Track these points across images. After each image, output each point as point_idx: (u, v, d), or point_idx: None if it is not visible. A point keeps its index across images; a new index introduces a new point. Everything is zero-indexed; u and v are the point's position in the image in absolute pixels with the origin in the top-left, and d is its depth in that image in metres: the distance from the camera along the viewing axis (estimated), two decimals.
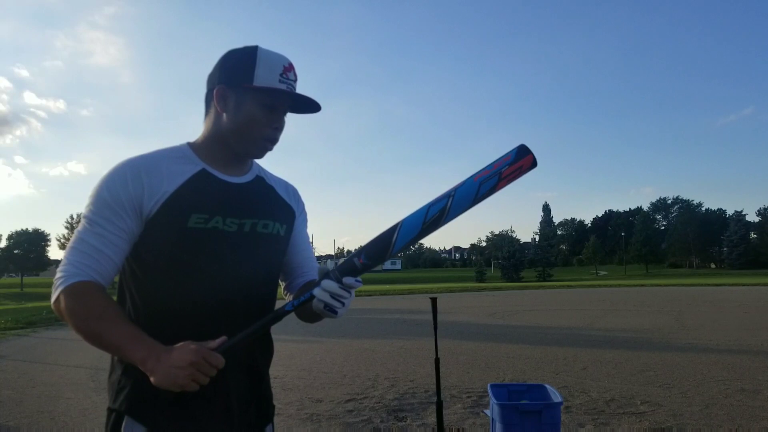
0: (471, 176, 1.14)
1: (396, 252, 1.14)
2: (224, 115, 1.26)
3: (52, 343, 10.18)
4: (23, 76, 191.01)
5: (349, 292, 1.14)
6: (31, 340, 10.93)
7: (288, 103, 1.28)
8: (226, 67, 1.26)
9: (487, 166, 1.14)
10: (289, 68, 1.26)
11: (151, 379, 1.08)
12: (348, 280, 1.12)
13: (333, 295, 1.12)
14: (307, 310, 1.27)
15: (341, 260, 1.18)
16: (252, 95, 1.24)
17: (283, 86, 1.24)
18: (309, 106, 1.31)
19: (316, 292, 1.13)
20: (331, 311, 1.13)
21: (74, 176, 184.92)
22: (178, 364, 1.06)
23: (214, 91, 1.26)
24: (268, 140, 1.28)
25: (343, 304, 1.13)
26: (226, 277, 1.22)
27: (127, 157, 1.24)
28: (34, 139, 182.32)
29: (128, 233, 1.19)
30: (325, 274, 1.15)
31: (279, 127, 1.29)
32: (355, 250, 1.19)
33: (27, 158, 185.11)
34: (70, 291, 1.14)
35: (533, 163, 1.13)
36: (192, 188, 1.23)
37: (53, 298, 1.16)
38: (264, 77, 1.23)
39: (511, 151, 1.13)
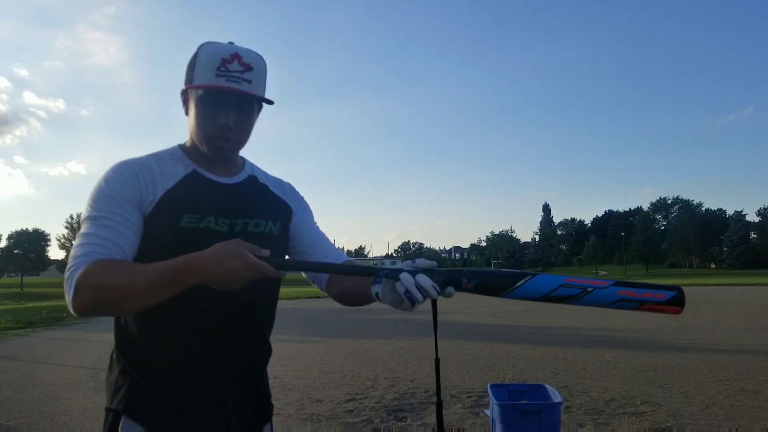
0: (615, 284, 1.09)
1: (503, 296, 1.09)
2: (188, 118, 1.28)
3: (52, 343, 10.18)
4: (23, 76, 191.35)
5: (437, 294, 1.07)
6: (31, 340, 10.91)
7: (234, 97, 1.21)
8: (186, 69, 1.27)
9: (636, 287, 1.09)
10: (230, 59, 1.18)
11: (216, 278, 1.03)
12: (449, 290, 1.07)
13: (420, 288, 1.04)
14: (359, 291, 1.23)
15: (465, 267, 1.11)
16: (194, 95, 1.23)
17: (221, 80, 1.18)
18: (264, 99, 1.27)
19: (404, 277, 1.05)
20: (411, 299, 1.05)
21: (74, 176, 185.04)
22: (229, 256, 1.01)
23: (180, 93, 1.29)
24: (215, 139, 1.23)
25: (420, 300, 1.06)
26: None
27: (121, 160, 1.24)
28: (34, 139, 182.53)
29: (135, 225, 1.17)
30: (429, 271, 1.07)
31: (224, 125, 1.21)
32: (470, 270, 1.11)
33: (27, 158, 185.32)
34: (85, 274, 1.06)
35: (678, 312, 1.10)
36: (184, 189, 1.23)
37: (70, 296, 1.07)
38: (201, 74, 1.20)
39: (667, 292, 1.09)
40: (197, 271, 1.02)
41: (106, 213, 1.14)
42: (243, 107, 1.23)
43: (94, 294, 1.06)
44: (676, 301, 1.08)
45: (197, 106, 1.22)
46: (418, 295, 1.04)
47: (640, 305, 1.08)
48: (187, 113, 1.27)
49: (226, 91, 1.19)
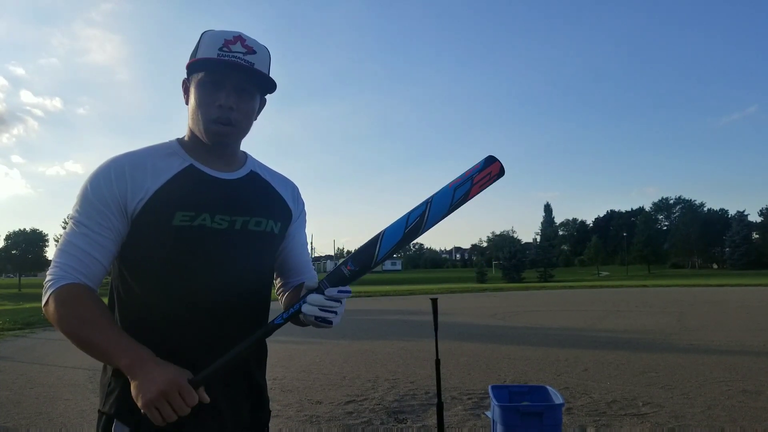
0: (447, 184, 1.16)
1: (381, 260, 1.14)
2: (187, 106, 1.25)
3: (51, 344, 10.14)
4: (19, 74, 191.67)
5: (339, 301, 1.11)
6: (29, 341, 10.90)
7: (237, 77, 1.19)
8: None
9: (461, 175, 1.17)
10: (233, 41, 1.19)
11: (131, 387, 1.06)
12: (330, 291, 1.10)
13: (322, 308, 1.10)
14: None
15: (341, 261, 1.17)
16: (194, 76, 1.21)
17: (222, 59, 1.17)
18: (268, 81, 1.24)
19: (305, 308, 1.11)
20: (325, 322, 1.11)
21: (71, 176, 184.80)
22: (151, 383, 1.03)
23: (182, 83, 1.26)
24: (214, 122, 1.19)
25: (335, 313, 1.10)
26: (215, 277, 1.19)
27: (114, 155, 1.21)
28: (31, 138, 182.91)
29: (115, 233, 1.16)
30: (314, 289, 1.13)
31: (224, 105, 1.18)
32: (344, 260, 1.18)
33: (24, 158, 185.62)
34: (59, 295, 1.12)
35: (501, 171, 1.17)
36: (178, 185, 1.20)
37: (43, 301, 1.15)
38: (202, 53, 1.19)
39: (480, 161, 1.17)
40: (129, 368, 1.07)
41: (86, 219, 1.15)
42: (245, 90, 1.21)
43: (54, 320, 1.13)
44: (490, 162, 1.16)
45: (197, 88, 1.19)
46: (324, 315, 1.09)
47: (471, 184, 1.15)
48: (187, 102, 1.24)
49: (228, 67, 1.17)
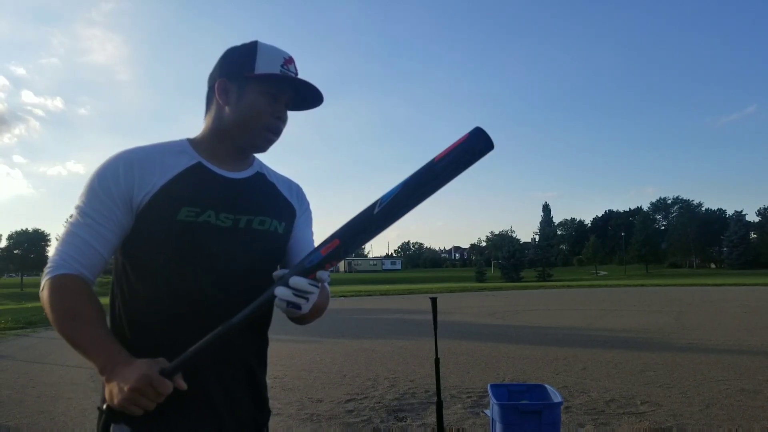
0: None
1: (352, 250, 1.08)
2: (226, 108, 1.26)
3: (52, 343, 10.15)
4: (20, 74, 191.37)
5: (316, 288, 1.06)
6: (31, 340, 10.93)
7: (289, 94, 1.28)
8: (226, 62, 1.27)
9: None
10: (289, 61, 1.27)
11: (105, 391, 1.08)
12: (321, 275, 1.05)
13: (300, 293, 1.03)
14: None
15: (317, 249, 1.08)
16: (254, 84, 1.24)
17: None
18: (308, 101, 1.31)
19: (279, 292, 1.03)
20: (295, 307, 1.05)
21: (72, 176, 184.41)
22: (122, 383, 1.03)
23: (216, 85, 1.26)
24: (271, 131, 1.27)
25: (307, 299, 1.05)
26: (218, 274, 1.19)
27: (122, 149, 1.23)
28: (33, 139, 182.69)
29: (118, 226, 1.18)
30: (282, 281, 1.05)
31: (282, 117, 1.28)
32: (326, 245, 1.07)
33: (25, 158, 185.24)
34: (53, 283, 1.13)
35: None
36: (184, 181, 1.21)
37: (40, 286, 1.16)
38: (265, 67, 1.23)
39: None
40: (102, 369, 1.08)
41: (90, 210, 1.17)
42: (288, 106, 1.30)
43: (45, 308, 1.15)
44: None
45: (257, 96, 1.24)
46: (299, 301, 1.03)
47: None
48: (223, 103, 1.26)
49: (286, 87, 1.26)
